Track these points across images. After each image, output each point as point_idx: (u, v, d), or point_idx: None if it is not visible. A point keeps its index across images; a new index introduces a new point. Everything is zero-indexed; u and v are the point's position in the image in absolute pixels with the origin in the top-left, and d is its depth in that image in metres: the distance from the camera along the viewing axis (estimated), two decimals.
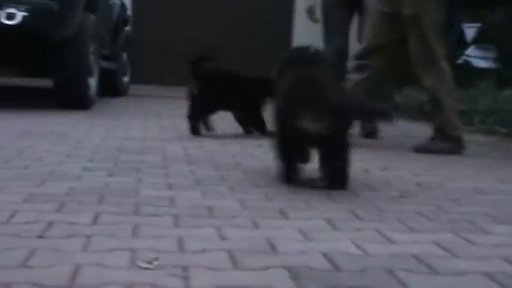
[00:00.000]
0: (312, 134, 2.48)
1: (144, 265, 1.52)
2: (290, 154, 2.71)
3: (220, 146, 3.96)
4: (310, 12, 5.24)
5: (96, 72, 6.31)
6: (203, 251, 1.68)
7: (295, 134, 2.51)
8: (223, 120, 5.01)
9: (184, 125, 4.75)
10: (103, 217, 1.98)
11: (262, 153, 3.70)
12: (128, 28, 8.64)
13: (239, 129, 4.77)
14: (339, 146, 2.58)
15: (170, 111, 6.51)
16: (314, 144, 2.64)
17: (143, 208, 2.14)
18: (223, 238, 1.83)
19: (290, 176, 2.71)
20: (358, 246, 1.79)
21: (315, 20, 5.28)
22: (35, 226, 1.83)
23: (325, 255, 1.69)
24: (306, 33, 10.56)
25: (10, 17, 5.15)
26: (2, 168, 2.78)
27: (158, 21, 10.84)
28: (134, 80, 9.19)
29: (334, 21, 5.07)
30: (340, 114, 2.47)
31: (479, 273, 1.60)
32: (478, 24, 10.04)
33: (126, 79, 8.59)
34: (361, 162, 3.55)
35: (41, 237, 1.72)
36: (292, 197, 2.48)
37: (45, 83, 6.58)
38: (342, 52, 4.98)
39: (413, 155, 4.01)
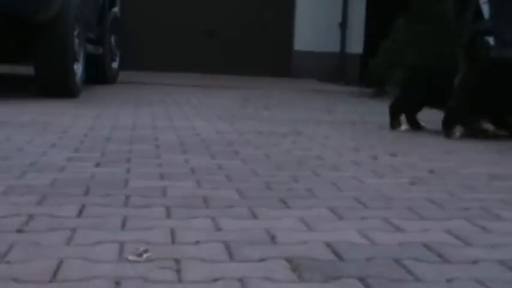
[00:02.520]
0: None
1: (133, 258, 1.52)
2: None
3: (216, 134, 3.97)
4: None
5: (81, 57, 6.29)
6: (197, 242, 1.69)
7: None
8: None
9: (177, 112, 4.76)
10: (89, 209, 1.99)
11: (261, 141, 3.71)
12: (116, 10, 8.61)
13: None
14: None
15: (162, 98, 6.52)
16: None
17: (133, 199, 2.15)
18: (218, 229, 1.83)
19: None
20: (364, 236, 1.80)
21: None
22: (14, 220, 1.83)
23: (328, 245, 1.69)
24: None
25: None
26: None
27: (148, 3, 10.83)
28: (124, 67, 9.20)
29: None
30: None
31: (494, 261, 1.60)
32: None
33: (115, 65, 8.57)
34: (369, 148, 3.57)
35: (20, 231, 1.73)
36: (293, 185, 2.49)
37: (27, 70, 6.59)
38: None
39: (425, 140, 4.02)
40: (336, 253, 1.64)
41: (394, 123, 4.53)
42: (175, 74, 10.25)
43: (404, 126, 4.48)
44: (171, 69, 10.62)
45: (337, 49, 10.85)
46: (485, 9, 10.75)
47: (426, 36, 8.13)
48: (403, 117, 4.59)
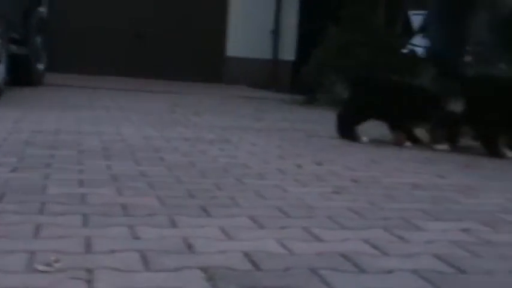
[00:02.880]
0: None
1: (42, 268, 1.49)
2: None
3: (143, 139, 3.93)
4: None
5: (3, 58, 6.13)
6: (112, 251, 1.66)
7: None
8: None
9: (105, 117, 4.68)
10: (1, 217, 1.94)
11: (188, 148, 3.69)
12: (42, 9, 8.43)
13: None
14: None
15: (90, 102, 6.42)
16: None
17: (49, 206, 2.10)
18: (135, 237, 1.81)
19: None
20: (283, 245, 1.81)
21: None
22: None
23: (246, 255, 1.70)
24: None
25: None
26: None
27: (78, 3, 10.65)
28: (52, 69, 9.01)
29: None
30: None
31: (408, 270, 1.64)
32: (424, 12, 10.30)
33: (40, 66, 8.38)
34: (296, 156, 3.60)
35: None
36: (216, 193, 2.48)
37: None
38: None
39: (351, 148, 4.08)
40: (253, 263, 1.64)
41: (353, 135, 4.49)
42: (104, 78, 10.11)
43: (365, 138, 4.47)
44: (100, 73, 10.47)
45: (269, 56, 10.93)
46: (415, 21, 10.99)
47: (357, 45, 8.29)
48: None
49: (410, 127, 4.52)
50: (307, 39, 9.87)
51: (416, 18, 10.47)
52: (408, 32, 10.05)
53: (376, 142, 4.46)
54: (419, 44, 9.71)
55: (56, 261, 1.53)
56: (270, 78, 10.83)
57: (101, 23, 10.68)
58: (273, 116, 6.28)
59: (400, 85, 4.87)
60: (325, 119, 5.94)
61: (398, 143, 4.44)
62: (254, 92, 9.76)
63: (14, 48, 6.76)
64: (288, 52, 10.88)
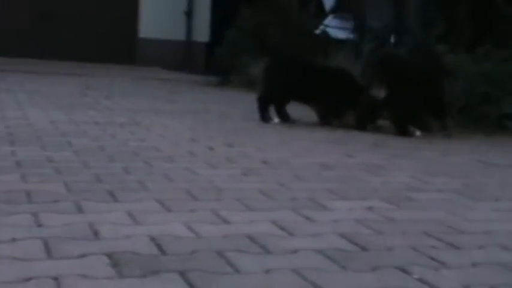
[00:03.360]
0: None
1: None
2: None
3: (50, 124, 3.85)
4: None
5: None
6: (13, 240, 1.63)
7: None
8: None
9: (9, 101, 4.55)
10: None
11: (97, 132, 3.64)
12: None
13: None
14: None
15: None
16: None
17: None
18: (39, 225, 1.78)
19: None
20: (190, 229, 1.82)
21: None
22: None
23: (153, 239, 1.70)
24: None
25: None
26: None
27: None
28: None
29: None
30: None
31: (313, 250, 1.68)
32: None
33: None
34: (208, 139, 3.61)
35: None
36: (125, 177, 2.46)
37: None
38: None
39: (263, 130, 4.12)
40: (159, 247, 1.64)
41: (265, 116, 4.52)
42: (9, 60, 9.79)
43: (276, 119, 4.50)
44: (4, 54, 10.12)
45: (183, 37, 10.85)
46: (327, 2, 11.09)
47: (270, 26, 8.34)
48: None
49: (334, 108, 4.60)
50: (221, 21, 9.85)
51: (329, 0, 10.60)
52: (321, 12, 10.18)
53: (289, 123, 4.52)
54: (331, 25, 9.86)
55: None
56: (183, 59, 10.76)
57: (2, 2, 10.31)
58: (186, 97, 6.25)
59: (322, 67, 4.96)
60: (239, 101, 5.97)
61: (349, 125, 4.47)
62: (168, 74, 9.69)
63: None
64: (202, 33, 10.83)
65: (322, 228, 1.91)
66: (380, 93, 4.18)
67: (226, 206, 2.10)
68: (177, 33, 10.76)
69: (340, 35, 9.48)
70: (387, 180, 2.72)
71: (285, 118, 4.56)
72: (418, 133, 4.17)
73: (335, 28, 9.73)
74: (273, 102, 4.56)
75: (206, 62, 10.29)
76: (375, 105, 4.27)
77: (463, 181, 2.77)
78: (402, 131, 4.15)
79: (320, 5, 10.41)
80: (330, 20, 9.94)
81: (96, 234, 1.73)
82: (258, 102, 4.60)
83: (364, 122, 4.36)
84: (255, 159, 3.03)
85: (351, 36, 9.20)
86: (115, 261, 1.51)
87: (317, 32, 9.50)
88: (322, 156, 3.24)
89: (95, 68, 9.59)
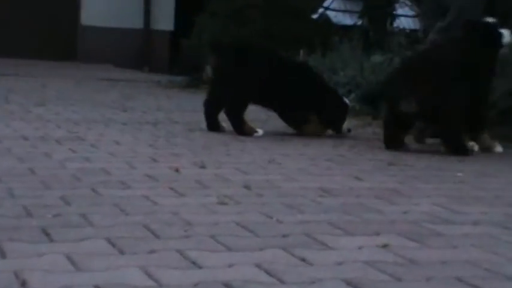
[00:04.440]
0: None
1: None
2: None
3: None
4: None
5: None
6: None
7: None
8: None
9: None
10: None
11: (26, 149, 3.64)
12: None
13: None
14: None
15: None
16: None
17: None
18: None
19: None
20: (150, 275, 1.82)
21: None
22: None
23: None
24: None
25: None
26: None
27: None
28: None
29: None
30: None
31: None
32: None
33: None
34: (173, 157, 3.61)
35: None
36: (63, 209, 2.46)
37: None
38: None
39: (244, 145, 4.13)
40: None
41: (212, 124, 4.59)
42: None
43: (260, 131, 4.52)
44: None
45: (139, 25, 10.86)
46: None
47: (253, 9, 8.38)
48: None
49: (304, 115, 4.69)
50: (189, 3, 9.89)
51: None
52: None
53: (277, 135, 4.53)
54: (332, 7, 9.92)
55: None
56: (141, 54, 10.77)
57: None
58: (144, 104, 6.26)
59: (286, 61, 5.01)
60: None
61: (312, 134, 4.55)
62: (121, 73, 9.70)
63: None
64: (165, 20, 10.85)
65: (322, 273, 1.91)
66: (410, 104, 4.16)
67: (196, 245, 2.10)
68: (131, 19, 10.77)
69: (345, 20, 9.56)
70: (406, 209, 2.73)
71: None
72: (476, 148, 4.16)
73: (338, 11, 9.81)
74: (222, 106, 4.62)
75: (171, 57, 10.32)
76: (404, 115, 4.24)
77: (505, 210, 2.78)
78: (459, 148, 4.13)
79: None
80: (330, 2, 10.02)
81: (24, 285, 1.72)
82: (204, 106, 4.68)
83: (395, 142, 4.30)
84: (235, 184, 3.03)
85: (358, 21, 9.27)
86: None
87: (315, 16, 9.56)
88: (321, 179, 3.24)
89: (25, 65, 9.56)
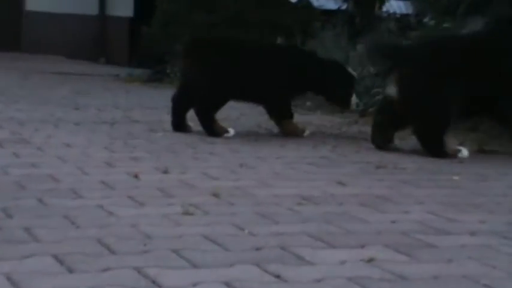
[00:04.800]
0: None
1: None
2: None
3: None
4: None
5: None
6: None
7: None
8: None
9: None
10: None
11: None
12: None
13: None
14: None
15: None
16: None
17: None
18: None
19: None
20: None
21: None
22: None
23: None
24: None
25: None
26: None
27: None
28: None
29: None
30: None
31: None
32: None
33: None
34: (131, 161, 3.61)
35: None
36: (4, 222, 2.45)
37: None
38: None
39: (212, 147, 4.13)
40: None
41: (178, 124, 4.62)
42: None
43: (232, 131, 4.54)
44: None
45: (94, 11, 10.84)
46: None
47: None
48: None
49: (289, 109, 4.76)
50: None
51: None
52: None
53: (251, 135, 4.53)
54: None
55: None
56: (97, 44, 10.75)
57: None
58: (99, 101, 6.25)
59: (269, 48, 5.05)
60: None
61: (293, 135, 4.58)
62: (73, 64, 9.67)
63: None
64: (123, 5, 10.82)
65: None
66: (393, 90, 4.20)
67: (157, 262, 2.10)
68: (85, 4, 10.74)
69: (327, 3, 9.57)
70: (395, 218, 2.74)
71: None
72: (465, 153, 4.18)
73: None
74: (192, 103, 4.63)
75: (130, 47, 10.30)
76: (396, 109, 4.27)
77: (506, 218, 2.80)
78: (436, 151, 4.17)
79: None
80: None
81: None
82: (172, 102, 4.73)
83: (382, 134, 4.34)
84: (202, 191, 3.03)
85: (343, 5, 9.28)
86: None
87: (293, 0, 9.57)
88: (300, 185, 3.25)
89: None
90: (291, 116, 4.76)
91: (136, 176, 3.27)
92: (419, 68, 4.20)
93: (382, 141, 4.26)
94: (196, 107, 4.59)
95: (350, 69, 4.91)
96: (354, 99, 4.80)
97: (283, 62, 4.74)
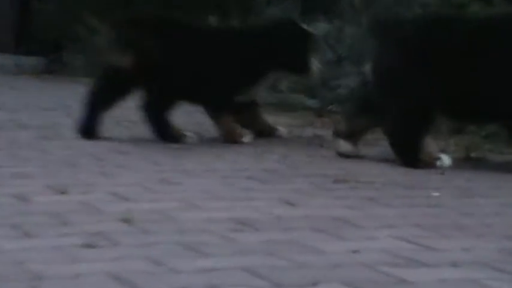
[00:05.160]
0: None
1: None
2: None
3: None
4: None
5: None
6: None
7: None
8: None
9: None
10: None
11: None
12: None
13: None
14: None
15: None
16: None
17: None
18: None
19: None
20: None
21: None
22: None
23: None
24: None
25: None
26: None
27: None
28: None
29: None
30: None
31: None
32: None
33: None
34: (16, 179, 3.59)
35: None
36: None
37: None
38: None
39: (123, 158, 4.13)
40: None
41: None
42: None
43: (192, 134, 4.60)
44: None
45: None
46: None
47: None
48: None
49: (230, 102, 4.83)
50: None
51: None
52: None
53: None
54: None
55: None
56: None
57: None
58: None
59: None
60: (78, 103, 5.96)
61: (230, 139, 4.61)
62: None
63: None
64: None
65: None
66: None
67: None
68: None
69: None
70: (358, 247, 2.76)
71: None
72: (447, 161, 4.22)
73: None
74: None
75: (18, 30, 10.25)
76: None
77: (497, 244, 2.83)
78: (410, 157, 4.23)
79: None
80: None
81: None
82: (87, 99, 4.84)
83: (348, 128, 4.42)
84: (109, 216, 3.04)
85: None
86: None
87: None
88: (236, 206, 3.26)
89: None
90: (233, 113, 4.75)
91: (21, 199, 3.26)
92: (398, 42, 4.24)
93: (345, 132, 4.30)
94: (144, 106, 4.61)
95: (304, 25, 4.95)
96: (315, 62, 4.81)
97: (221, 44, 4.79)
